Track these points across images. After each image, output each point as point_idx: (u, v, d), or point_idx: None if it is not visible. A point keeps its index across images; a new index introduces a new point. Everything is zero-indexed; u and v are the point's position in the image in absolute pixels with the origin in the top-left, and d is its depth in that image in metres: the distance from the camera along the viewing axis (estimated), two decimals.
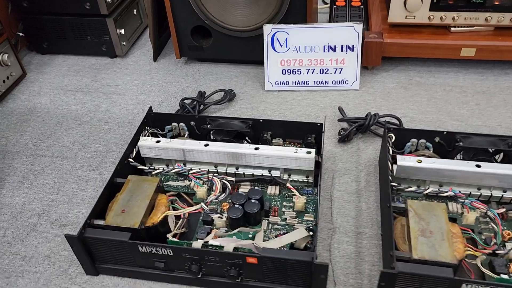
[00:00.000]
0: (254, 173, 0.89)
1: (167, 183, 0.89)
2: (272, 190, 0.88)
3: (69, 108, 1.18)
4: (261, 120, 0.92)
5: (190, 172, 0.87)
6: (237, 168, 0.89)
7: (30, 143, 1.08)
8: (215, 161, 0.89)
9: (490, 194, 0.81)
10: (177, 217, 0.81)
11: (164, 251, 0.71)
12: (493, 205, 0.82)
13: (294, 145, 0.94)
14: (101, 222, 0.76)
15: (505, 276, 0.69)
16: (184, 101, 1.11)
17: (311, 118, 1.09)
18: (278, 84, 1.18)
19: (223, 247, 0.71)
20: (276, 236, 0.79)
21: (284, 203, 0.85)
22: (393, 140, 0.87)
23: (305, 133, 0.93)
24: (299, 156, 0.84)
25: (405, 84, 1.18)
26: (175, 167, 0.90)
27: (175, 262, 0.73)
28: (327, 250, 0.81)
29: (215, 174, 0.86)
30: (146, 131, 0.94)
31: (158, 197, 0.81)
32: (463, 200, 0.79)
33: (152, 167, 0.92)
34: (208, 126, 0.93)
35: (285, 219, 0.82)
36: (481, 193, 0.82)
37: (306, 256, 0.67)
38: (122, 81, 1.27)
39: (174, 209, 0.81)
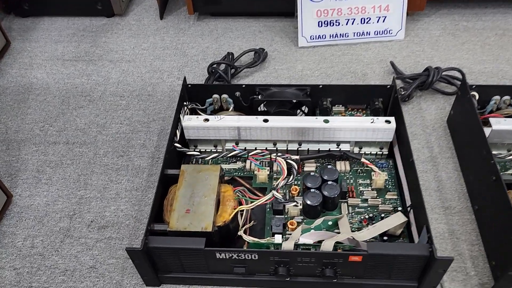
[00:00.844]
0: (320, 149, 0.77)
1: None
2: (341, 166, 0.76)
3: (73, 81, 1.00)
4: (320, 86, 0.79)
5: (250, 154, 0.74)
6: (300, 144, 0.77)
7: (35, 128, 0.91)
8: (275, 138, 0.76)
9: None
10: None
11: (248, 256, 0.60)
12: None
13: (359, 111, 0.82)
14: (163, 227, 0.63)
15: None
16: (213, 66, 0.95)
17: (357, 77, 0.97)
18: (313, 38, 1.03)
19: (318, 245, 0.61)
20: (360, 221, 0.69)
21: (359, 181, 0.74)
22: (477, 98, 0.76)
23: (371, 97, 0.81)
24: (377, 126, 0.73)
25: (452, 30, 1.06)
26: (227, 148, 0.77)
27: (259, 266, 0.62)
28: None
29: (279, 154, 0.74)
30: (185, 108, 0.79)
31: (223, 188, 0.68)
32: None
33: (198, 149, 0.79)
34: (259, 97, 0.79)
35: (366, 200, 0.72)
36: None
37: (422, 250, 0.58)
38: (128, 45, 1.09)
39: (240, 201, 0.69)
